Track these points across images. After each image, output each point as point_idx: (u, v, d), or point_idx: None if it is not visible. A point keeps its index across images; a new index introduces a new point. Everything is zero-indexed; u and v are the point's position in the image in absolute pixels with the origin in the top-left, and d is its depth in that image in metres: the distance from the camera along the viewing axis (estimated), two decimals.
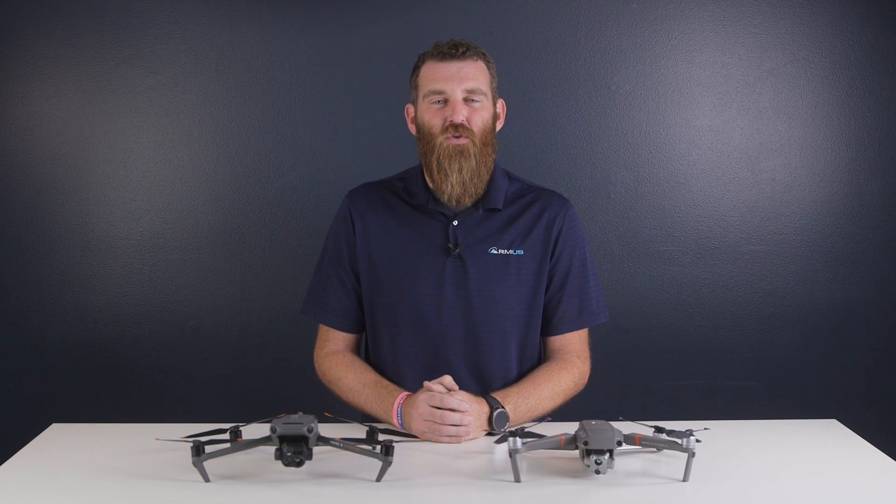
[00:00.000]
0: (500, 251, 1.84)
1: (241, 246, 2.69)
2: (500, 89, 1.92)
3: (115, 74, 2.64)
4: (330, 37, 2.65)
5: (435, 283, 1.82)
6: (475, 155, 1.78)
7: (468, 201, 1.82)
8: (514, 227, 1.86)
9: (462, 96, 1.79)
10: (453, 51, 1.79)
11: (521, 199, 1.89)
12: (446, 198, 1.81)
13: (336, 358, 1.88)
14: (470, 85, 1.79)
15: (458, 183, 1.79)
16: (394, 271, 1.85)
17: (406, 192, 1.89)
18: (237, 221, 2.69)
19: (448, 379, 1.71)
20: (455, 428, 1.64)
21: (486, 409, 1.69)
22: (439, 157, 1.78)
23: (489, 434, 1.70)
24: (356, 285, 1.90)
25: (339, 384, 1.84)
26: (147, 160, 2.66)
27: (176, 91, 2.65)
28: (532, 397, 1.77)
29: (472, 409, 1.66)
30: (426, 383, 1.69)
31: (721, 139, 2.69)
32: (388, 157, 2.55)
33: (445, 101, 1.79)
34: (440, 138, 1.78)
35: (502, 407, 1.70)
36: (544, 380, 1.81)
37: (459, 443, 1.65)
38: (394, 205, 1.90)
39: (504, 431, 1.67)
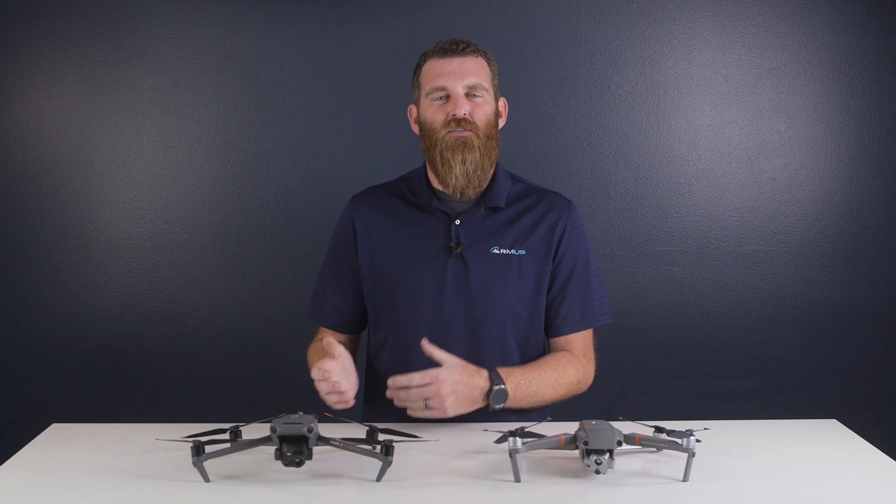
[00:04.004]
0: (501, 251, 1.84)
1: (241, 246, 2.69)
2: (502, 90, 1.92)
3: (115, 74, 2.64)
4: (330, 37, 2.65)
5: (436, 282, 1.82)
6: (479, 147, 1.78)
7: (472, 193, 1.82)
8: (516, 226, 1.86)
9: (464, 91, 1.79)
10: (454, 47, 1.80)
11: (523, 200, 1.89)
12: (451, 189, 1.81)
13: (314, 344, 1.91)
14: (471, 80, 1.79)
15: (461, 175, 1.78)
16: (395, 270, 1.85)
17: (409, 192, 1.89)
18: (237, 221, 2.69)
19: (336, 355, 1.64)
20: (420, 402, 1.62)
21: (483, 383, 1.68)
22: (442, 150, 1.78)
23: (484, 411, 1.69)
24: (354, 287, 1.90)
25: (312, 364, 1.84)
26: (147, 160, 2.66)
27: (176, 91, 2.65)
28: (535, 382, 1.76)
29: (445, 377, 1.63)
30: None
31: (721, 139, 2.69)
32: (388, 157, 2.55)
33: (447, 97, 1.80)
34: (442, 132, 1.78)
35: (503, 384, 1.69)
36: (550, 368, 1.81)
37: (434, 415, 1.63)
38: (396, 206, 1.90)
39: (501, 407, 1.68)
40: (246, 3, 2.64)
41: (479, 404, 1.69)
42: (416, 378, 1.63)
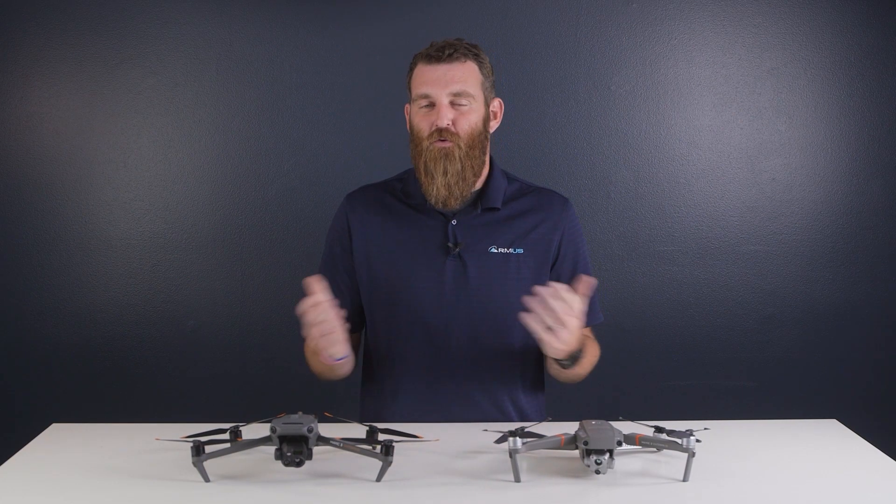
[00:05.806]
0: (500, 250, 1.84)
1: (241, 246, 2.69)
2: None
3: (115, 74, 2.64)
4: (330, 37, 2.65)
5: (435, 282, 1.82)
6: (460, 158, 1.78)
7: (454, 203, 1.82)
8: (514, 225, 1.86)
9: (448, 100, 1.78)
10: (440, 53, 1.78)
11: (520, 199, 1.89)
12: (432, 200, 1.81)
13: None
14: (456, 88, 1.78)
15: (443, 185, 1.79)
16: (393, 272, 1.85)
17: (404, 193, 1.89)
18: (237, 221, 2.69)
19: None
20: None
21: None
22: (426, 161, 1.79)
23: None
24: (350, 287, 1.90)
25: (309, 353, 1.84)
26: (147, 160, 2.66)
27: (176, 91, 2.65)
28: (587, 357, 1.79)
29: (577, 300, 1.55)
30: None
31: (721, 139, 2.69)
32: (387, 157, 2.55)
33: (432, 105, 1.79)
34: (426, 142, 1.79)
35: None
36: (591, 344, 1.85)
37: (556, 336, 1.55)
38: (392, 206, 1.90)
39: (569, 364, 1.66)
40: (246, 3, 2.64)
41: (573, 348, 1.62)
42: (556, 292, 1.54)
